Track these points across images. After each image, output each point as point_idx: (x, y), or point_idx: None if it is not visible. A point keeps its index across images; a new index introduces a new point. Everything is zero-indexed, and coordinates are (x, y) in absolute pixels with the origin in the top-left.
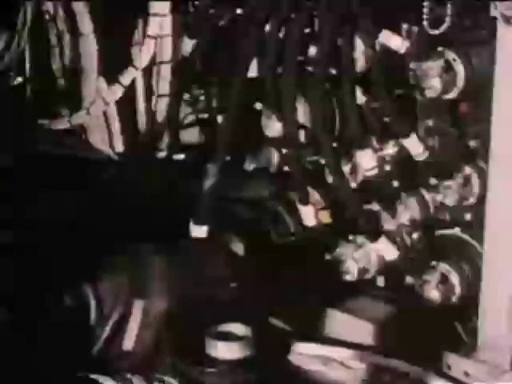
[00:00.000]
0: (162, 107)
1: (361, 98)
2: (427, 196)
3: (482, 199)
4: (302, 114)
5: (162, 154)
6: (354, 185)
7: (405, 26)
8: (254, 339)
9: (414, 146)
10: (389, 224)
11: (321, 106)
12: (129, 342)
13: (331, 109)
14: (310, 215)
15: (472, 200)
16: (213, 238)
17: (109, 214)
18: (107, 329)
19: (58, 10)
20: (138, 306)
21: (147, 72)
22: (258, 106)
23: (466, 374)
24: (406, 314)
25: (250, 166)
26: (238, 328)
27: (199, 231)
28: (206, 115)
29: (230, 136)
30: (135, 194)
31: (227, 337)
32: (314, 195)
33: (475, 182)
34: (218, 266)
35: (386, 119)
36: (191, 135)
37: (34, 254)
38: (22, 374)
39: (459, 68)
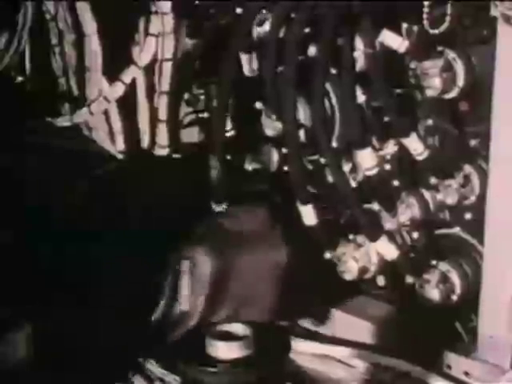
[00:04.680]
0: (163, 105)
1: (361, 97)
2: (427, 195)
3: (482, 198)
4: (302, 113)
5: (162, 153)
6: (354, 184)
7: (405, 26)
8: (253, 339)
9: (414, 145)
10: (389, 223)
11: (321, 105)
12: (184, 303)
13: (331, 108)
14: (310, 214)
15: (472, 199)
16: None
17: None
18: (165, 292)
19: (59, 10)
20: (185, 267)
21: (149, 70)
22: (259, 105)
23: (466, 373)
24: (406, 313)
25: (249, 165)
26: (237, 328)
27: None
28: (205, 115)
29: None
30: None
31: (227, 336)
32: None
33: (475, 181)
34: None
35: (386, 118)
36: (191, 134)
37: None
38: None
39: (459, 67)
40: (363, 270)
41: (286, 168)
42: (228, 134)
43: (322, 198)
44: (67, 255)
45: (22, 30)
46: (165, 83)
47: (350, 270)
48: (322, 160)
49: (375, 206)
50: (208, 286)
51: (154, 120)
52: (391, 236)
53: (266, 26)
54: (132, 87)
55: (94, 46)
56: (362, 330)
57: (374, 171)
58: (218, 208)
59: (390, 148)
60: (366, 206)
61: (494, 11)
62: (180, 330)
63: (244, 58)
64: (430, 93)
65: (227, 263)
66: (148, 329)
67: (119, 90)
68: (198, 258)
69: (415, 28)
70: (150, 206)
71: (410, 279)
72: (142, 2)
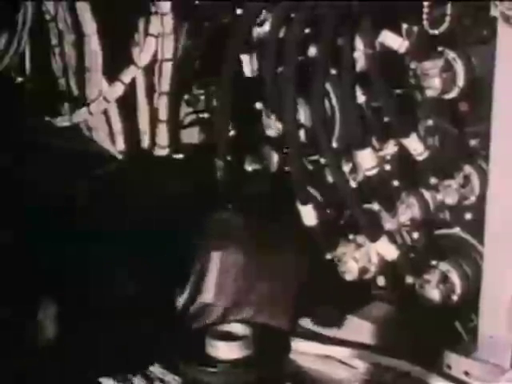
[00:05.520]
0: (163, 105)
1: (361, 97)
2: (427, 195)
3: (482, 198)
4: (302, 113)
5: (162, 153)
6: (354, 184)
7: (405, 26)
8: (253, 339)
9: (414, 146)
10: (389, 224)
11: (321, 105)
12: (208, 294)
13: (331, 109)
14: (310, 215)
15: (472, 199)
16: None
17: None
18: (189, 282)
19: (59, 10)
20: (215, 258)
21: (149, 70)
22: (259, 105)
23: (466, 373)
24: (406, 313)
25: (249, 166)
26: (237, 328)
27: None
28: (206, 115)
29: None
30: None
31: (227, 336)
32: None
33: (475, 181)
34: None
35: (386, 119)
36: (192, 135)
37: None
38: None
39: (459, 67)
40: (363, 271)
41: (286, 168)
42: (228, 135)
43: (322, 198)
44: (67, 255)
45: (21, 30)
46: (165, 83)
47: (350, 270)
48: (323, 160)
49: (375, 206)
50: (235, 281)
51: (154, 120)
52: (391, 236)
53: (266, 27)
54: (132, 87)
55: (93, 46)
56: (362, 330)
57: (374, 171)
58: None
59: (390, 148)
60: (366, 206)
61: (494, 11)
62: (200, 322)
63: (244, 58)
64: (430, 93)
65: (255, 262)
66: (168, 322)
67: (119, 90)
68: (229, 252)
69: (415, 28)
70: (150, 206)
71: (410, 279)
72: (142, 2)
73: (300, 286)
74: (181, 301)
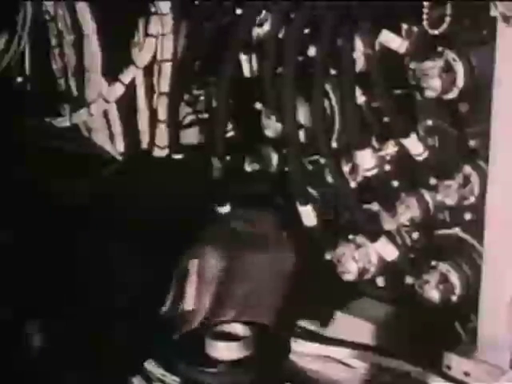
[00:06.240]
0: (163, 105)
1: (360, 97)
2: (427, 196)
3: (482, 199)
4: (302, 114)
5: (162, 154)
6: (353, 185)
7: (405, 26)
8: (253, 339)
9: (414, 146)
10: (388, 224)
11: (321, 106)
12: (189, 302)
13: (331, 109)
14: (309, 215)
15: (472, 200)
16: None
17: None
18: (171, 291)
19: (58, 10)
20: (193, 266)
21: (148, 70)
22: (258, 105)
23: (466, 373)
24: (406, 313)
25: (249, 166)
26: (237, 328)
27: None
28: (205, 115)
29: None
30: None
31: (227, 337)
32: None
33: (475, 181)
34: None
35: (386, 119)
36: (191, 135)
37: None
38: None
39: (459, 68)
40: (363, 271)
41: (285, 169)
42: (228, 135)
43: (322, 198)
44: (67, 255)
45: (21, 30)
46: (164, 84)
47: (349, 270)
48: (323, 160)
49: (375, 207)
50: (214, 286)
51: (153, 121)
52: (391, 236)
53: (266, 27)
54: (131, 88)
55: (93, 46)
56: (362, 330)
57: (374, 172)
58: (222, 209)
59: (390, 149)
60: (366, 206)
61: (494, 12)
62: (184, 329)
63: (244, 58)
64: (429, 93)
65: (235, 264)
66: (152, 327)
67: (118, 90)
68: (206, 258)
69: (415, 28)
70: (150, 207)
71: (409, 280)
72: (142, 2)
73: (286, 283)
74: (164, 309)
